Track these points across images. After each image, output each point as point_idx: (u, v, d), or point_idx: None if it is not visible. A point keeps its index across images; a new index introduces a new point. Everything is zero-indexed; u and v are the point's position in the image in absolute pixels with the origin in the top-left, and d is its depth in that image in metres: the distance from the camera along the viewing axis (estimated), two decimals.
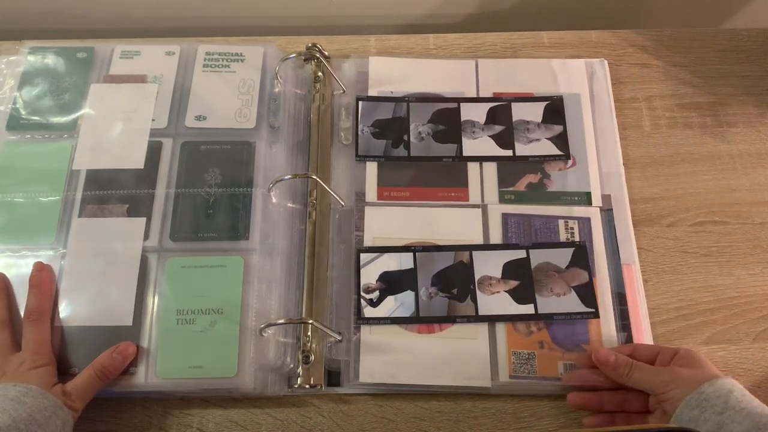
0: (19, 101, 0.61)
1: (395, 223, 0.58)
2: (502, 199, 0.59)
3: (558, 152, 0.61)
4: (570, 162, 0.61)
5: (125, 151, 0.59)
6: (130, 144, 0.59)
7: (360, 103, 0.63)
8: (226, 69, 0.63)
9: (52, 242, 0.55)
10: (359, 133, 0.62)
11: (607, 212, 0.59)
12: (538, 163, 0.61)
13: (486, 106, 0.63)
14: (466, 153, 0.61)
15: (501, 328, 0.54)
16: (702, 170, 0.63)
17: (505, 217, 0.58)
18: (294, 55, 0.64)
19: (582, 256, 0.56)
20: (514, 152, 0.61)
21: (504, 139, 0.62)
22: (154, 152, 0.59)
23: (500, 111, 0.63)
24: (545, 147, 0.61)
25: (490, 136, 0.62)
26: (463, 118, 0.62)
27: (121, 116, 0.60)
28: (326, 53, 0.65)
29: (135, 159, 0.58)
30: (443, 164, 0.61)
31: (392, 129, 0.62)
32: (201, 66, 0.63)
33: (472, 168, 0.61)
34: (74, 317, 0.52)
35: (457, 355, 0.53)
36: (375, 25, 0.77)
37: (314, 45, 0.65)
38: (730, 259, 0.58)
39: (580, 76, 0.65)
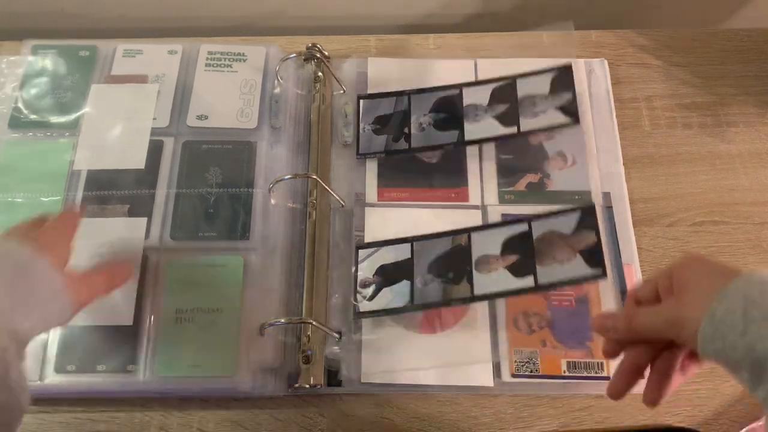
0: (20, 100, 0.61)
1: (395, 224, 0.58)
2: (502, 200, 0.59)
3: (565, 119, 0.58)
4: (570, 160, 0.61)
5: (126, 151, 0.59)
6: (131, 144, 0.59)
7: (361, 101, 0.63)
8: (228, 69, 0.63)
9: None
10: (360, 131, 0.62)
11: (608, 209, 0.59)
12: (543, 131, 0.58)
13: (489, 88, 0.62)
14: (467, 137, 0.59)
15: (502, 327, 0.54)
16: (702, 170, 0.63)
17: (505, 217, 0.58)
18: (294, 55, 0.64)
19: (590, 217, 0.53)
20: (518, 128, 0.59)
21: (508, 117, 0.60)
22: (155, 151, 0.59)
23: (504, 90, 0.61)
24: (552, 117, 0.59)
25: (493, 117, 0.60)
26: (466, 103, 0.61)
27: (122, 116, 0.60)
28: (326, 53, 0.65)
29: (136, 159, 0.58)
30: (443, 164, 0.60)
31: (393, 123, 0.62)
32: (203, 65, 0.63)
33: (472, 167, 0.60)
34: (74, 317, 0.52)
35: (458, 355, 0.53)
36: (375, 25, 0.77)
37: (314, 45, 0.65)
38: (730, 259, 0.58)
39: (578, 76, 0.65)
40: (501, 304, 0.55)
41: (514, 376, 0.52)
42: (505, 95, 0.61)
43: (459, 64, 0.66)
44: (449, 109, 0.61)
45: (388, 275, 0.55)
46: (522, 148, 0.61)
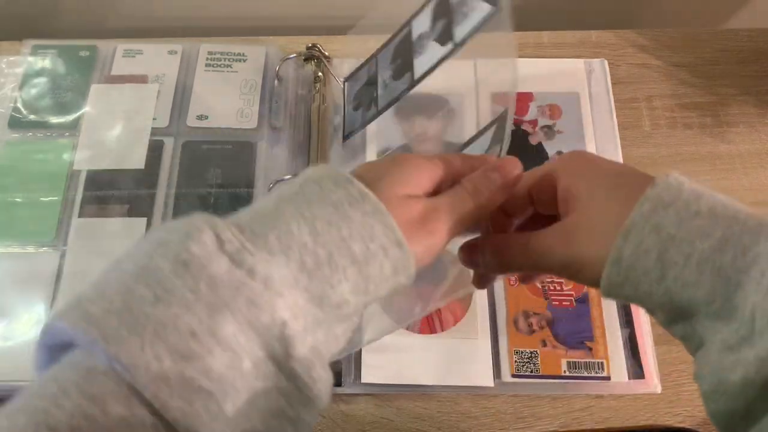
0: (20, 100, 0.61)
1: None
2: None
3: (487, 8, 0.47)
4: None
5: (126, 151, 0.59)
6: (130, 144, 0.59)
7: (346, 84, 0.62)
8: (228, 69, 0.63)
9: (51, 242, 0.55)
10: (346, 116, 0.61)
11: None
12: (474, 33, 0.47)
13: (430, 8, 0.52)
14: (417, 76, 0.51)
15: (502, 327, 0.54)
16: (702, 170, 0.63)
17: None
18: (294, 55, 0.64)
19: (501, 123, 0.44)
20: (454, 42, 0.48)
21: (445, 34, 0.49)
22: (155, 151, 0.59)
23: (441, 3, 0.51)
24: (477, 12, 0.47)
25: (434, 40, 0.50)
26: (414, 37, 0.52)
27: (122, 116, 0.60)
28: (326, 53, 0.65)
29: (136, 159, 0.58)
30: None
31: (367, 93, 0.58)
32: (203, 65, 0.63)
33: None
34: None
35: (458, 355, 0.53)
36: (375, 25, 0.77)
37: (314, 45, 0.65)
38: None
39: (578, 76, 0.65)
40: (501, 304, 0.55)
41: (514, 376, 0.52)
42: (443, 8, 0.51)
43: (458, 64, 0.66)
44: (404, 52, 0.53)
45: None
46: (522, 148, 0.61)
